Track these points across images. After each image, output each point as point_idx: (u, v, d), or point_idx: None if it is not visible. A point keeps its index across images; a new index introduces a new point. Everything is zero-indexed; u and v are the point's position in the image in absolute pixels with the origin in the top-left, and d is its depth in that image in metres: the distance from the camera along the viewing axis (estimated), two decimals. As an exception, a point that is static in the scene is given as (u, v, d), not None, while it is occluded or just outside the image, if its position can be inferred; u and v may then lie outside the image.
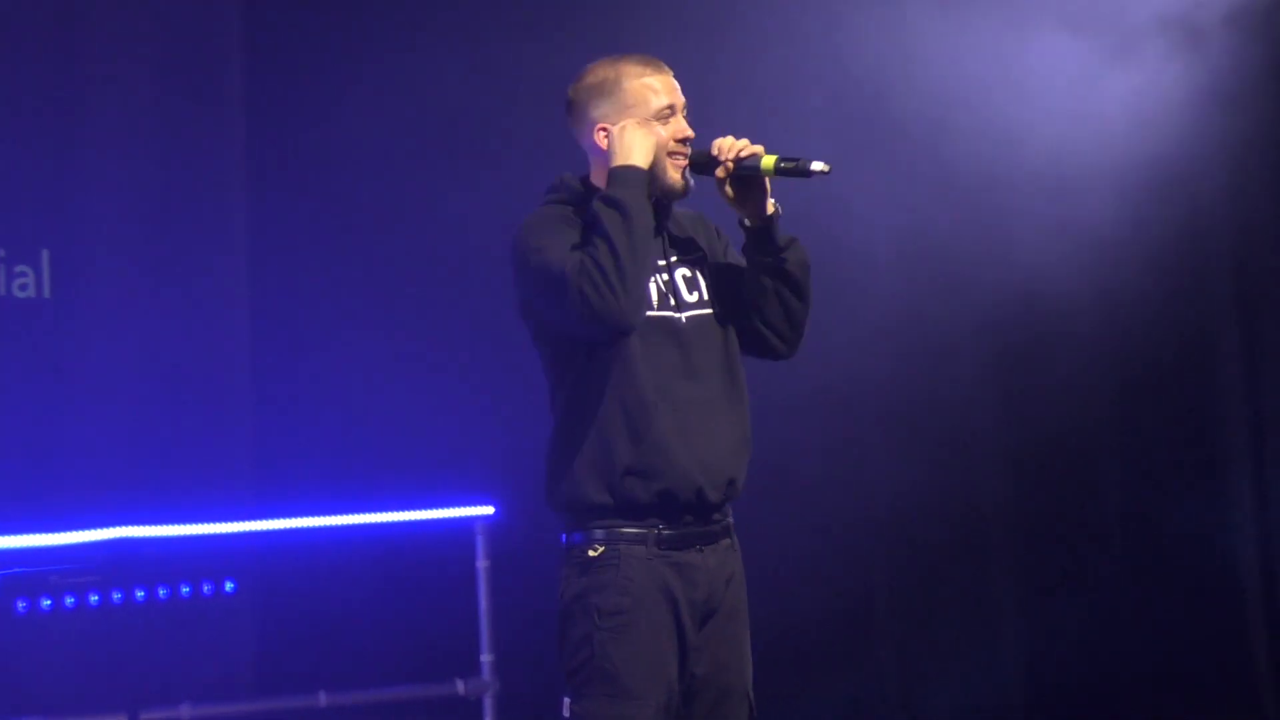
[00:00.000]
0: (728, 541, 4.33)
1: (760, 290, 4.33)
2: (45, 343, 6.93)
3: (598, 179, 4.30)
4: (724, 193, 4.30)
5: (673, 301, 4.29)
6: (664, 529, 4.21)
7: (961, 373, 7.43)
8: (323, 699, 6.65)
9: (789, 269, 4.34)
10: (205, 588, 6.73)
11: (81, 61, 7.07)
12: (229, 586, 6.77)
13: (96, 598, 6.51)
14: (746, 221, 4.33)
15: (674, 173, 4.28)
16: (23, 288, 6.89)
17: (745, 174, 4.29)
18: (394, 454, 7.25)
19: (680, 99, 4.30)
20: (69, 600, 6.46)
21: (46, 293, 6.93)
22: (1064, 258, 7.03)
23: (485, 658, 6.81)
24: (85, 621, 6.57)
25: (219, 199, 7.34)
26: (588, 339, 4.18)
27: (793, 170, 4.26)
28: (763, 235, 4.32)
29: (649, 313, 4.20)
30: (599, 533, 4.22)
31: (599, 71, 4.30)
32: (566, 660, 4.23)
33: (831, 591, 7.40)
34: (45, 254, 6.95)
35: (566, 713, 4.21)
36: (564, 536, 4.29)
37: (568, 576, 4.25)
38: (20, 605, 6.41)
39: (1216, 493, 7.13)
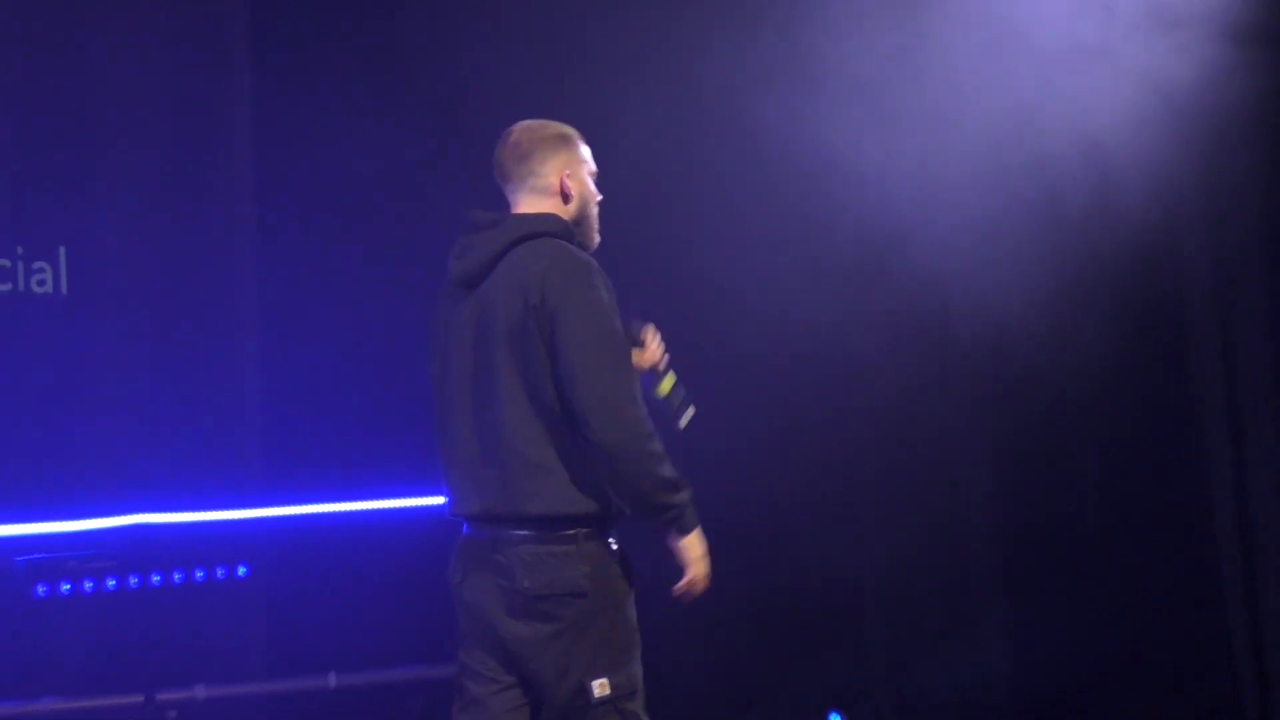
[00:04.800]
0: None
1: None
2: (62, 336, 6.99)
3: (552, 208, 4.70)
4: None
5: None
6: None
7: (943, 370, 7.50)
8: (333, 680, 6.77)
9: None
10: (218, 572, 6.80)
11: (94, 63, 7.13)
12: (241, 571, 6.84)
13: (114, 582, 6.63)
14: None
15: (594, 233, 4.78)
16: (40, 283, 6.96)
17: (649, 375, 4.78)
18: (401, 440, 7.28)
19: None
20: (87, 585, 6.59)
21: (64, 288, 6.99)
22: (1041, 252, 7.09)
23: None
24: (102, 606, 6.69)
25: (228, 194, 7.40)
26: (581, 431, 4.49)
27: (673, 403, 4.80)
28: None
29: None
30: (613, 530, 4.62)
31: (553, 127, 4.76)
32: (595, 642, 4.56)
33: (817, 585, 7.49)
34: (62, 251, 7.02)
35: (607, 691, 4.55)
36: (572, 533, 4.56)
37: (581, 569, 4.55)
38: (40, 590, 6.53)
39: (1196, 484, 7.17)
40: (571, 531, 4.55)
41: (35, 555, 6.51)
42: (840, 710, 7.45)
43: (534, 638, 4.58)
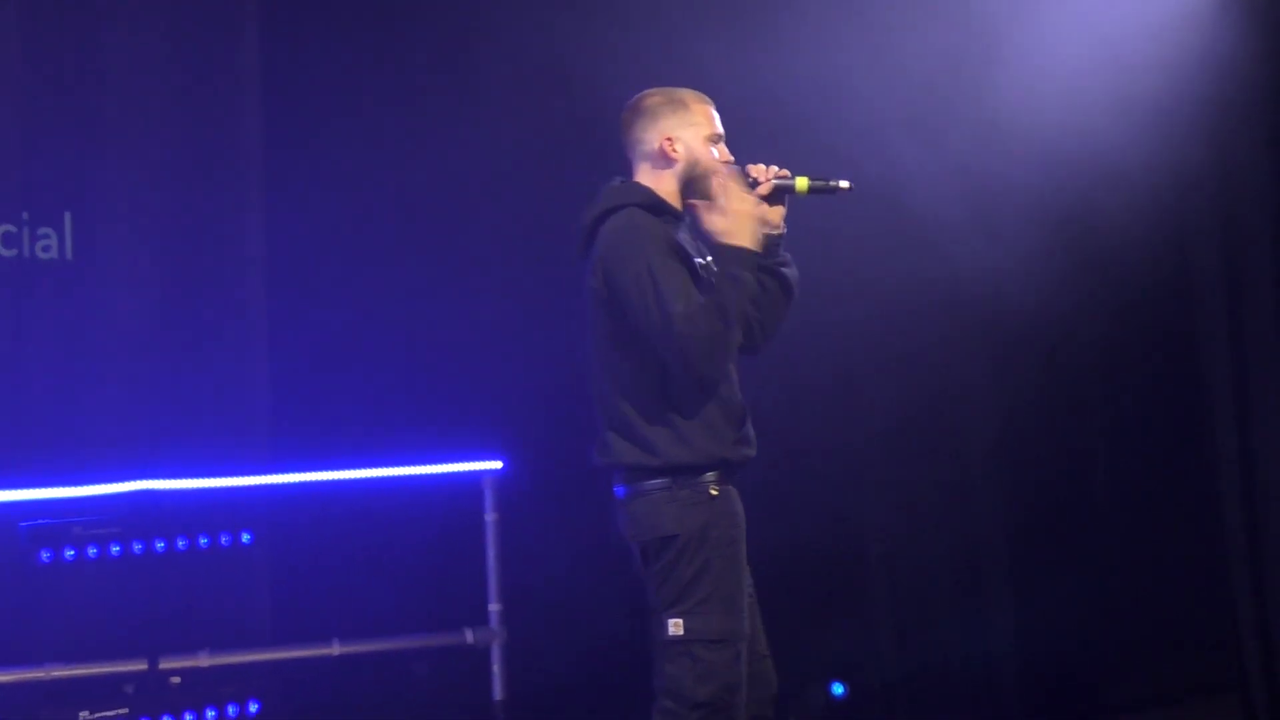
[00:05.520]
0: None
1: (761, 290, 5.05)
2: (67, 302, 7.00)
3: (651, 179, 5.05)
4: None
5: None
6: (735, 480, 4.98)
7: (953, 343, 7.52)
8: (336, 647, 6.76)
9: (788, 274, 5.13)
10: (223, 539, 6.79)
11: (103, 29, 7.12)
12: (246, 538, 6.83)
13: (118, 548, 6.61)
14: (764, 230, 4.99)
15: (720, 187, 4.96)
16: (45, 249, 6.95)
17: (780, 193, 5.02)
18: (406, 409, 7.34)
19: (723, 130, 5.08)
20: (92, 551, 6.57)
21: (69, 254, 6.99)
22: (1047, 227, 7.10)
23: (493, 607, 6.91)
24: (107, 572, 6.68)
25: (235, 159, 7.38)
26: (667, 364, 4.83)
27: (822, 189, 5.01)
28: (776, 245, 5.10)
29: None
30: (711, 476, 4.88)
31: (664, 93, 5.08)
32: (678, 583, 4.85)
33: (822, 555, 7.53)
34: (67, 216, 7.01)
35: (679, 631, 4.83)
36: (672, 481, 4.89)
37: (680, 514, 4.86)
38: (45, 556, 6.51)
39: (1203, 458, 7.19)
40: (660, 481, 4.88)
41: (40, 521, 6.50)
42: (844, 680, 7.47)
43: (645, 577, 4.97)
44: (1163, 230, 7.11)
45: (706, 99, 5.11)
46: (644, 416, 4.91)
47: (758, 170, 5.04)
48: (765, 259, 5.02)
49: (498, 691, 6.86)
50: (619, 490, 4.99)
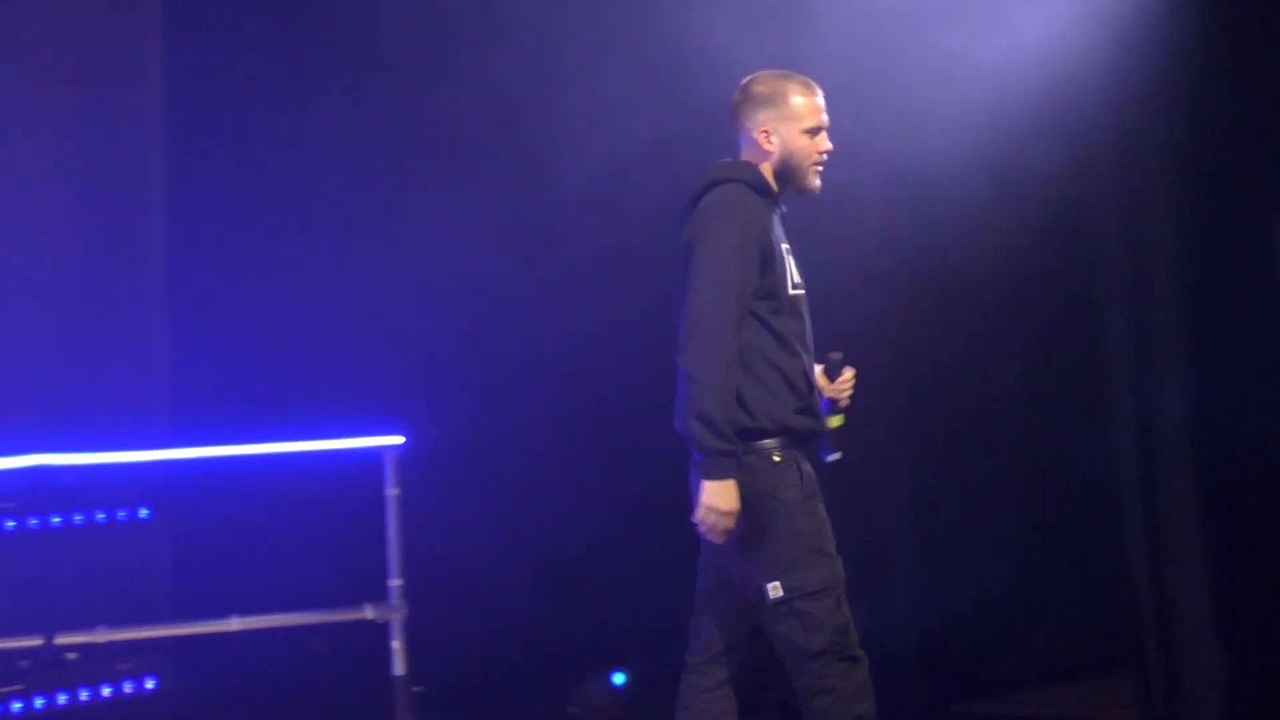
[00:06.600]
0: None
1: None
2: (-39, 276, 6.91)
3: (754, 157, 5.18)
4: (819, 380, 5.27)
5: (801, 280, 5.19)
6: (804, 449, 5.15)
7: (858, 320, 7.48)
8: (235, 623, 6.69)
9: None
10: (121, 514, 6.78)
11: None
12: (144, 513, 6.82)
13: (14, 523, 6.59)
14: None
15: (814, 180, 5.21)
16: (-61, 221, 6.88)
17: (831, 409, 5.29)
18: (307, 385, 7.32)
19: (826, 120, 5.21)
20: (-14, 526, 6.54)
21: (-36, 224, 6.92)
22: (957, 207, 7.13)
23: (394, 583, 6.87)
24: (3, 547, 6.65)
25: (137, 127, 7.38)
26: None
27: (831, 440, 5.26)
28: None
29: (794, 290, 5.15)
30: (773, 442, 5.06)
31: (768, 82, 5.21)
32: (765, 547, 5.02)
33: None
34: (-39, 189, 6.93)
35: (779, 593, 4.99)
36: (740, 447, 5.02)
37: (746, 479, 4.98)
38: (-62, 531, 6.49)
39: (1102, 436, 7.16)
40: None
41: (-67, 496, 6.43)
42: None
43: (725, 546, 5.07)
44: (1066, 217, 7.16)
45: (811, 88, 5.22)
46: None
47: (844, 376, 5.35)
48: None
49: (397, 667, 6.85)
50: (695, 455, 5.08)
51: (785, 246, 5.18)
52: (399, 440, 6.95)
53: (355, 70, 7.53)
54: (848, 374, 5.34)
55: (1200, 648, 6.74)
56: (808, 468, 5.14)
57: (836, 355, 5.32)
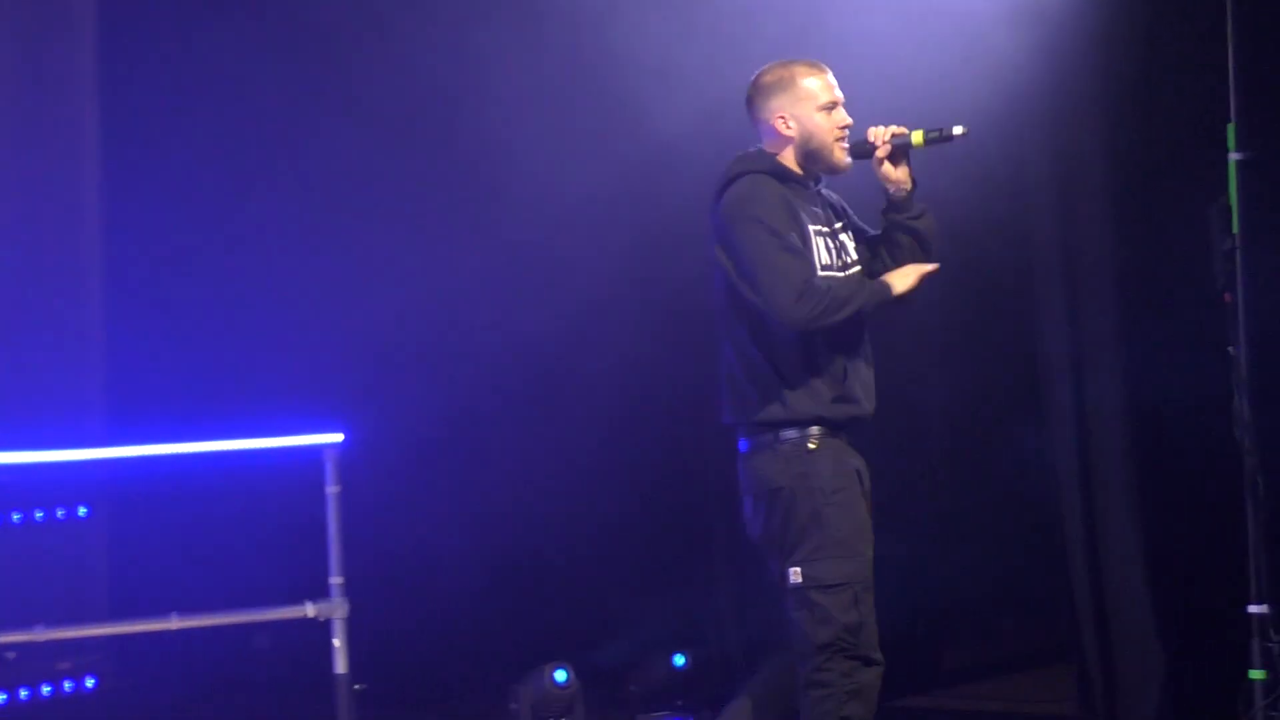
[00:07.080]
0: None
1: (897, 246, 5.35)
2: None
3: (774, 151, 5.27)
4: (878, 171, 5.29)
5: (841, 260, 5.26)
6: (846, 436, 5.23)
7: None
8: (175, 621, 6.58)
9: (923, 228, 5.36)
10: (59, 513, 6.76)
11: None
12: (82, 511, 6.81)
13: (-50, 523, 6.56)
14: (892, 190, 5.32)
15: (840, 155, 5.27)
16: (-128, 221, 6.84)
17: (898, 150, 5.26)
18: (246, 383, 7.32)
19: (840, 95, 5.29)
20: (-78, 525, 6.51)
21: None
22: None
23: (334, 580, 6.78)
24: (-61, 546, 6.58)
25: (72, 125, 7.35)
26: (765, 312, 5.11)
27: (938, 138, 5.25)
28: (907, 201, 5.35)
29: (824, 272, 5.17)
30: (813, 430, 5.14)
31: (776, 70, 5.30)
32: (793, 534, 5.11)
33: (663, 524, 7.61)
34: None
35: (798, 579, 5.10)
36: (775, 438, 5.16)
37: (783, 468, 5.13)
38: (-128, 530, 6.45)
39: (1040, 433, 7.22)
40: (766, 437, 5.15)
41: None
42: (684, 651, 7.52)
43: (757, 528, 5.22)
44: (1003, 209, 7.18)
45: (818, 68, 5.31)
46: (748, 376, 5.19)
47: (875, 133, 5.28)
48: (898, 214, 5.32)
49: (339, 665, 6.82)
50: (739, 445, 5.24)
51: (815, 228, 5.24)
52: (338, 438, 6.89)
53: (292, 64, 7.51)
54: (871, 135, 5.29)
55: (1138, 640, 6.79)
56: (854, 461, 5.24)
57: (856, 141, 5.30)
